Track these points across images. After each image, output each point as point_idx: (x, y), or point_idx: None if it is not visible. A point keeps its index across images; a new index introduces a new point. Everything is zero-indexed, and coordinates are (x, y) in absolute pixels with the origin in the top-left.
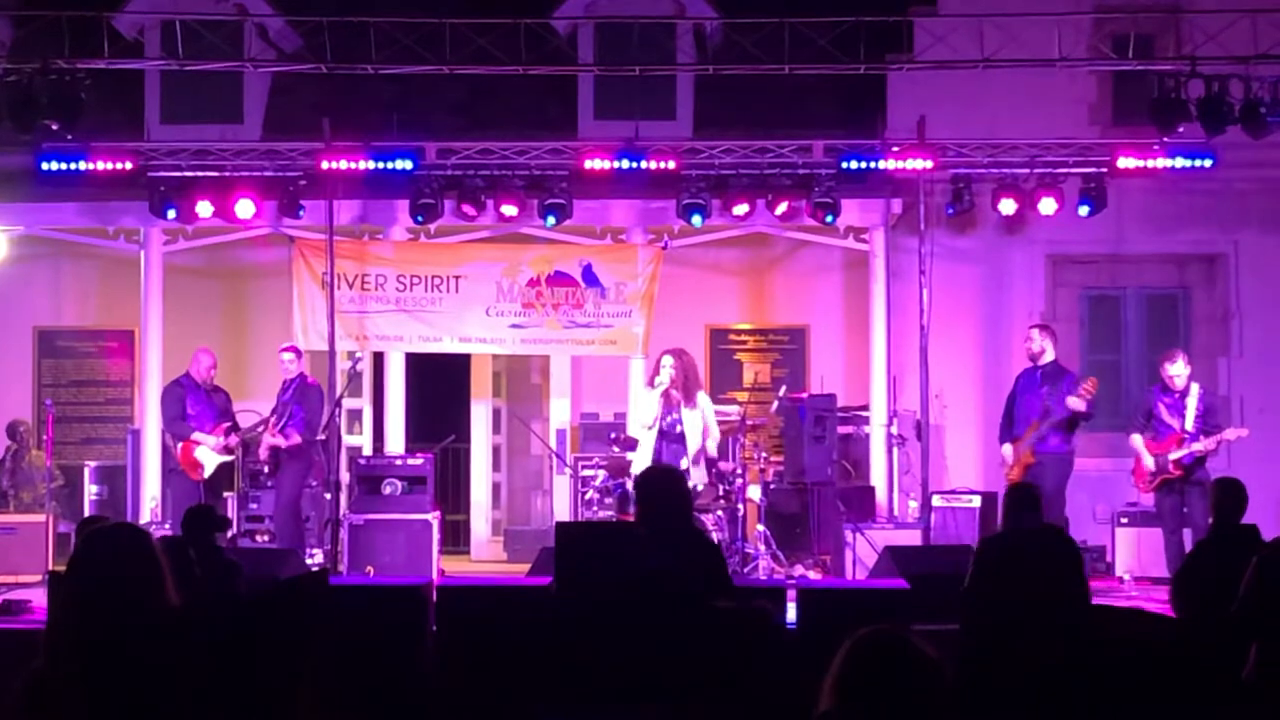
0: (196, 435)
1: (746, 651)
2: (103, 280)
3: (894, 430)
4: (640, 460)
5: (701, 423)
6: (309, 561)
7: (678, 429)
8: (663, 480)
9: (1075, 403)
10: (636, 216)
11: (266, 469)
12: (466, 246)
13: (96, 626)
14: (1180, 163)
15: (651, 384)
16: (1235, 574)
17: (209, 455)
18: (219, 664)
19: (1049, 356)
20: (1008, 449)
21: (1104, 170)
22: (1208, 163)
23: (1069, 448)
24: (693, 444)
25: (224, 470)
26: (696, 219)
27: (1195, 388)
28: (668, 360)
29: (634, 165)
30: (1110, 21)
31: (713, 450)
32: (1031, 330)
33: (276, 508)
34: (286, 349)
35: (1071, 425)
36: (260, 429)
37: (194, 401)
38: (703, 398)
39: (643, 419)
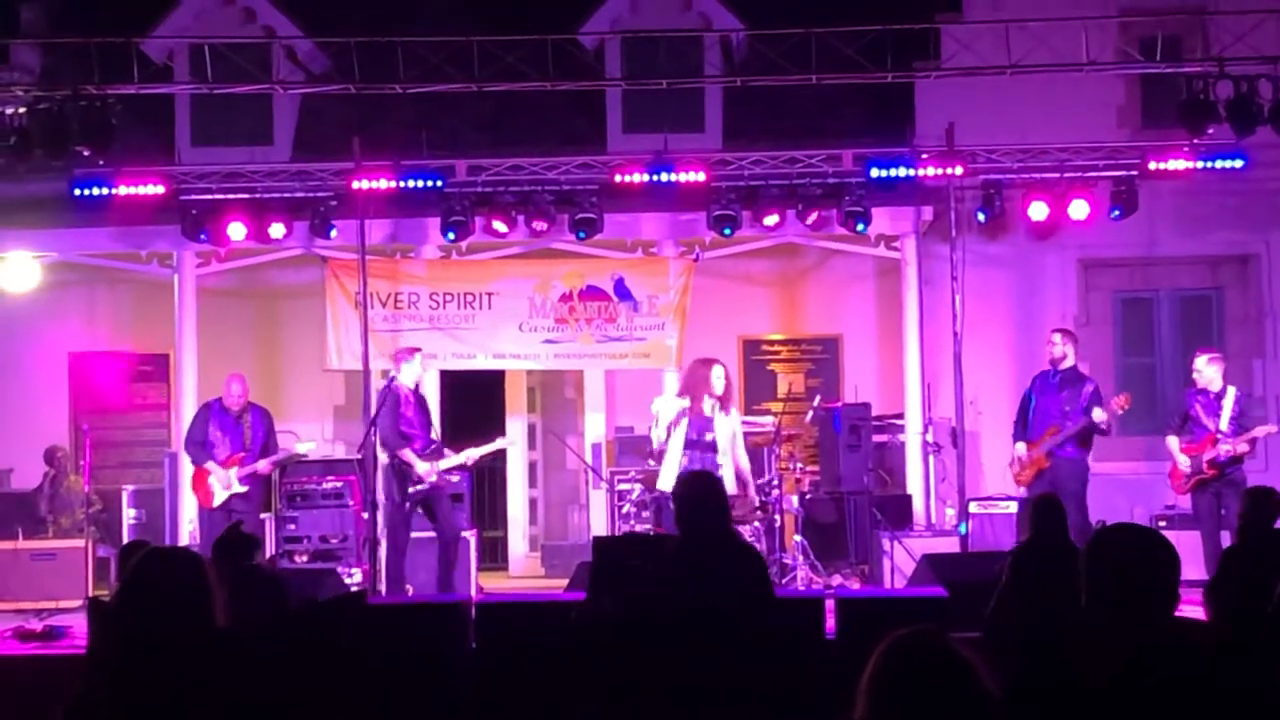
0: (209, 465)
1: (785, 665)
2: (136, 304)
3: (929, 438)
4: (671, 471)
5: (731, 431)
6: (348, 581)
7: (708, 437)
8: (699, 487)
9: (1100, 415)
10: (667, 229)
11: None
12: (498, 263)
13: (146, 647)
14: (1211, 164)
15: (711, 395)
16: (1265, 580)
17: (218, 485)
18: (259, 685)
19: (1069, 361)
20: (1021, 448)
21: (1134, 173)
22: (1238, 164)
23: (1081, 455)
24: (725, 451)
25: (257, 495)
26: (727, 230)
27: (1232, 390)
28: (720, 371)
29: (664, 178)
30: (1137, 24)
31: (742, 459)
32: (1054, 334)
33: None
34: None
35: (1088, 436)
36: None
37: (218, 427)
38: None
39: (663, 431)
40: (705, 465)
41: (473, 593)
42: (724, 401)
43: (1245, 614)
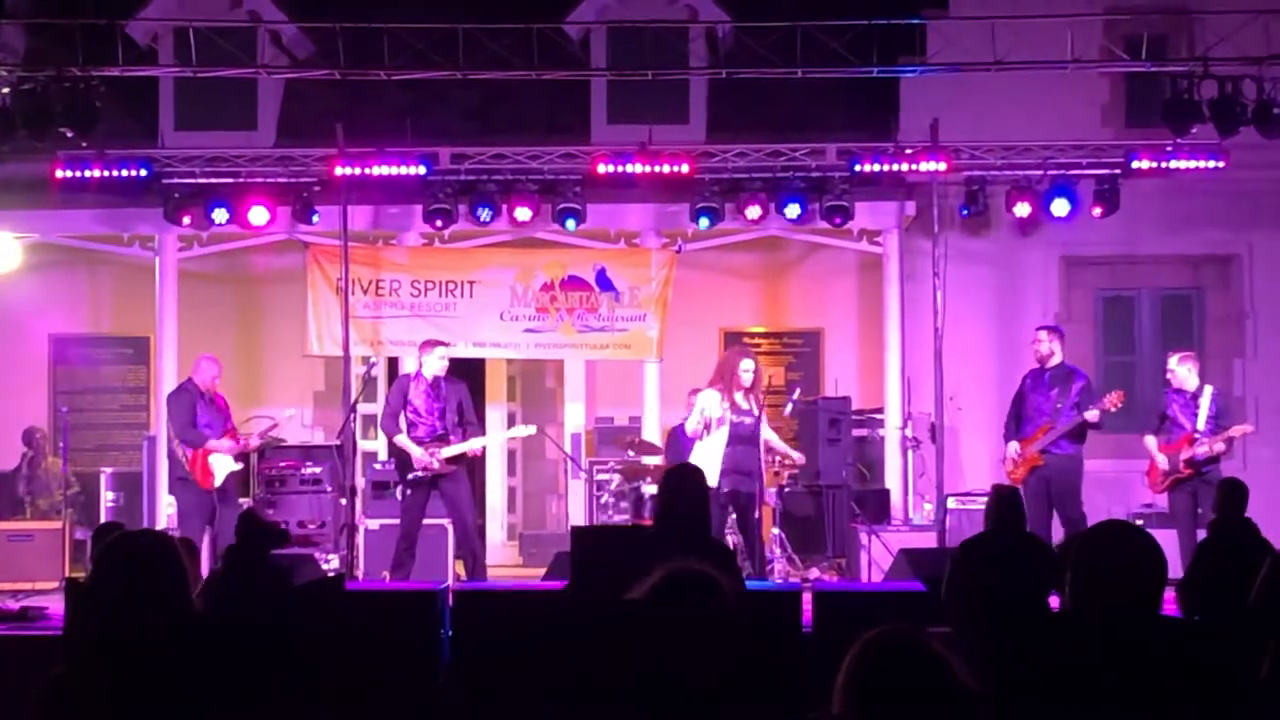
0: (211, 443)
1: (761, 657)
2: (117, 287)
3: (908, 432)
4: (709, 461)
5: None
6: (325, 567)
7: (750, 431)
8: (686, 480)
9: (1094, 414)
10: (650, 220)
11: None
12: (480, 251)
13: (119, 631)
14: (1193, 164)
15: (740, 388)
16: (1235, 569)
17: (221, 463)
18: (237, 669)
19: (1057, 359)
20: (1014, 447)
21: (1117, 172)
22: (1220, 164)
23: (1076, 450)
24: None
25: (237, 476)
26: (706, 222)
27: (1209, 389)
28: (750, 364)
29: (647, 169)
30: (1122, 23)
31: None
32: (1039, 332)
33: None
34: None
35: (1081, 431)
36: (275, 431)
37: (203, 409)
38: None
39: (699, 423)
40: (749, 460)
41: (449, 580)
42: (754, 395)
43: (1221, 607)
